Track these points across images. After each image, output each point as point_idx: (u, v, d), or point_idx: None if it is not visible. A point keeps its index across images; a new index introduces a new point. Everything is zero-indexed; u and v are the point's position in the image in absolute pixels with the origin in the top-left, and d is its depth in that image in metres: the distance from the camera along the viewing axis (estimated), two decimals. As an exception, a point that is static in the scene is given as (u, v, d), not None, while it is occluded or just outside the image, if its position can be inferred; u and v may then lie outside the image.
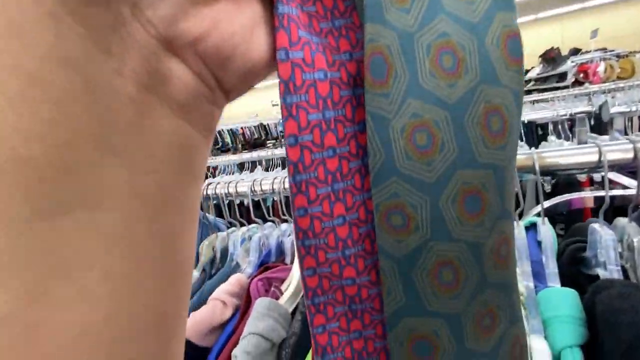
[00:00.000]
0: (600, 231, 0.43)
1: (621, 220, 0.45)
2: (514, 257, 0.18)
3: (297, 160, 0.15)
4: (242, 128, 5.63)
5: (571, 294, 0.40)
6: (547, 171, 0.44)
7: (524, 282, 0.43)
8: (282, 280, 0.55)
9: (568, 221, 0.92)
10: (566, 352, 0.36)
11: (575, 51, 4.85)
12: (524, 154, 0.45)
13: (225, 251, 0.69)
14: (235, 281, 0.57)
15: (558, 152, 0.44)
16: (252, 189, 0.64)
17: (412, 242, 0.16)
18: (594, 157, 0.42)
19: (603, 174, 0.70)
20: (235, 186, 0.66)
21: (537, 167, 0.44)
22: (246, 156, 1.52)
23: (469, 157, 0.15)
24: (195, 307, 0.53)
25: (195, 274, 0.64)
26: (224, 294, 0.54)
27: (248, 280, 0.57)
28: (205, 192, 0.69)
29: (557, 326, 0.38)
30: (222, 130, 5.40)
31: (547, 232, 0.47)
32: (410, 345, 0.17)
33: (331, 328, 0.17)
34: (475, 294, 0.17)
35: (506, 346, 0.18)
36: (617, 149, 0.41)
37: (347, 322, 0.17)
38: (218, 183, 0.68)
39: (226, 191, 0.66)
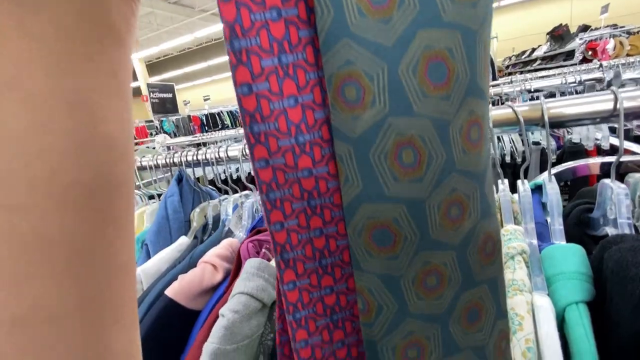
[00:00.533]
0: (612, 185, 0.40)
1: (635, 176, 0.42)
2: (487, 144, 0.16)
3: (233, 20, 0.12)
4: (241, 110, 5.55)
5: (577, 249, 0.38)
6: (556, 123, 0.41)
7: (528, 240, 0.41)
8: (275, 244, 0.53)
9: (572, 192, 0.90)
10: (572, 308, 0.33)
11: (585, 28, 4.69)
12: (531, 104, 0.42)
13: (217, 218, 0.67)
14: (226, 245, 0.55)
15: (569, 102, 0.40)
16: (244, 152, 0.61)
17: (368, 118, 0.13)
18: (609, 105, 0.39)
19: (613, 140, 0.66)
20: (226, 151, 0.63)
21: (546, 119, 0.41)
22: (243, 131, 1.49)
23: (433, 14, 0.13)
24: (185, 271, 0.52)
25: (187, 240, 0.62)
26: (214, 257, 0.52)
27: (240, 244, 0.55)
28: (195, 158, 0.66)
29: (562, 283, 0.36)
30: (222, 112, 5.35)
31: (553, 190, 0.44)
32: (369, 235, 0.15)
33: (289, 226, 0.15)
34: (441, 180, 0.15)
35: (476, 240, 0.16)
36: (636, 95, 0.38)
37: (307, 219, 0.15)
38: (209, 148, 0.65)
39: (217, 156, 0.63)
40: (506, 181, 0.48)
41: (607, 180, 0.42)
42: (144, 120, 4.65)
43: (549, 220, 0.47)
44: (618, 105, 0.38)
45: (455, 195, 0.15)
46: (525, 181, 0.46)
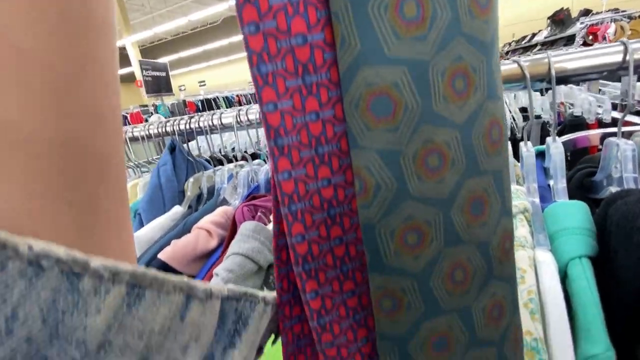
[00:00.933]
0: (618, 142, 0.39)
1: (640, 134, 0.41)
2: (495, 12, 0.15)
3: None
4: (237, 96, 5.50)
5: (580, 205, 0.37)
6: (563, 77, 0.39)
7: (530, 199, 0.40)
8: (271, 210, 0.52)
9: (571, 166, 0.89)
10: (574, 263, 0.33)
11: (586, 12, 4.62)
12: (536, 58, 0.40)
13: (212, 189, 0.65)
14: (221, 212, 0.53)
15: (576, 54, 0.39)
16: (238, 119, 0.59)
17: None
18: (618, 57, 0.37)
19: (615, 114, 0.65)
20: (220, 117, 0.61)
21: (552, 73, 0.39)
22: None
23: None
24: (178, 237, 0.50)
25: (181, 209, 0.60)
26: (208, 223, 0.51)
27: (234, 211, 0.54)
28: (188, 126, 0.64)
29: (565, 239, 0.35)
30: (218, 97, 5.28)
31: (557, 149, 0.43)
32: (366, 105, 0.14)
33: (283, 107, 0.14)
34: (446, 41, 0.14)
35: (482, 123, 0.15)
36: (646, 46, 0.36)
37: (302, 100, 0.14)
38: (201, 115, 0.63)
39: (210, 123, 0.61)
40: (508, 143, 0.47)
41: (612, 138, 0.40)
42: (138, 105, 4.58)
43: (551, 183, 0.46)
44: (628, 57, 0.36)
45: (461, 65, 0.14)
46: (529, 143, 0.45)
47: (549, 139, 0.44)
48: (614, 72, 0.38)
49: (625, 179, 0.38)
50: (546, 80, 0.40)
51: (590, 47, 0.39)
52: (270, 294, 0.16)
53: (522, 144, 0.45)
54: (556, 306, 0.30)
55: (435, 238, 0.15)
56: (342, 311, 0.16)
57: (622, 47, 0.37)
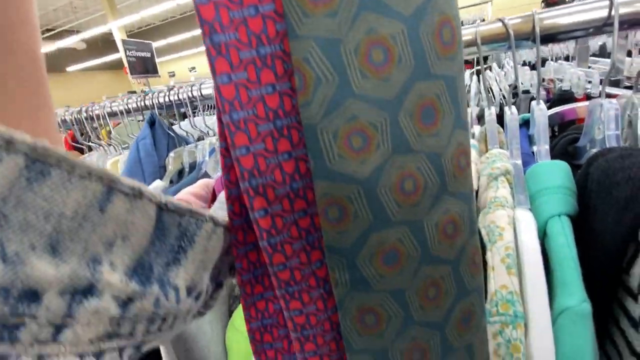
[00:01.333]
0: (602, 102, 0.38)
1: (626, 96, 0.40)
2: None
3: None
4: (229, 82, 5.41)
5: (562, 164, 0.36)
6: (548, 35, 0.38)
7: (512, 161, 0.39)
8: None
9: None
10: (554, 220, 0.32)
11: (580, -5, 4.59)
12: (522, 16, 0.39)
13: (194, 165, 0.64)
14: (202, 185, 0.52)
15: (562, 11, 0.38)
16: (219, 89, 0.57)
17: None
18: (604, 13, 0.36)
19: (602, 88, 0.64)
20: (200, 89, 0.59)
21: (537, 30, 0.38)
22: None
23: None
24: (157, 209, 0.49)
25: (162, 183, 0.59)
26: (188, 195, 0.49)
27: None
28: (168, 99, 0.62)
29: (545, 198, 0.34)
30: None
31: (540, 112, 0.42)
32: None
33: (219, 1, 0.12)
34: None
35: (432, 19, 0.14)
36: (632, 0, 0.35)
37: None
38: (181, 87, 0.61)
39: (190, 95, 0.59)
40: (493, 108, 0.46)
41: (596, 99, 0.40)
42: (126, 92, 4.48)
43: (535, 149, 0.45)
44: (613, 12, 0.35)
45: None
46: (513, 107, 0.44)
47: (533, 103, 0.44)
48: (599, 29, 0.37)
49: (607, 137, 0.37)
50: (531, 39, 0.39)
51: (576, 3, 0.38)
52: (221, 215, 0.15)
53: (506, 108, 0.44)
54: (533, 261, 0.29)
55: (382, 143, 0.14)
56: (293, 231, 0.15)
57: (607, 2, 0.36)
